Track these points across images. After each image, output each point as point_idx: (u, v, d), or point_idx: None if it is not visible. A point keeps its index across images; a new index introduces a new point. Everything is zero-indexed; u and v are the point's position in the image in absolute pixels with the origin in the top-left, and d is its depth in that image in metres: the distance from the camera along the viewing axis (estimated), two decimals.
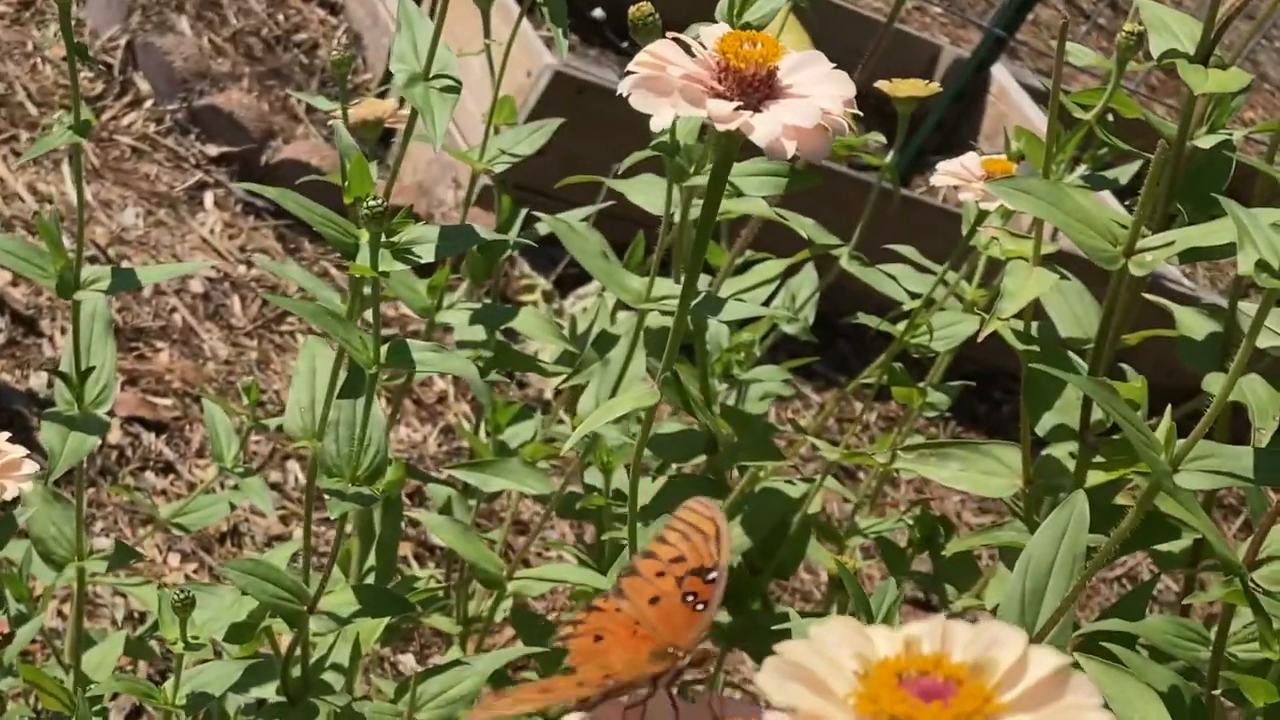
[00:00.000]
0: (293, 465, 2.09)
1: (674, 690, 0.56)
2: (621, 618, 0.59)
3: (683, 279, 0.85)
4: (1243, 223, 0.80)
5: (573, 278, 2.54)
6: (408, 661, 1.93)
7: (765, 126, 0.76)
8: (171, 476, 1.99)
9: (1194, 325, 1.47)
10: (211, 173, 2.43)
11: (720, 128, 0.76)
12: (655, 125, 0.77)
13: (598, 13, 3.08)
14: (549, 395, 2.44)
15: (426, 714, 1.20)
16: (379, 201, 0.87)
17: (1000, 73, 3.13)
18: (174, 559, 1.90)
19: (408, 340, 0.92)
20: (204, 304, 2.22)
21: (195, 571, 1.89)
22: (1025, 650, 0.42)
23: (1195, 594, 1.07)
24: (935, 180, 1.38)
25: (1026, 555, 0.90)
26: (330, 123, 1.55)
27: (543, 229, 1.31)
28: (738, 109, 0.77)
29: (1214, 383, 1.20)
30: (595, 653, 0.58)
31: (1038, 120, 2.80)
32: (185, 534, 1.17)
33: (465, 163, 1.22)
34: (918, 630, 0.43)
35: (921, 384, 1.52)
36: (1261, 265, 0.77)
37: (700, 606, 0.57)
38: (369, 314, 0.95)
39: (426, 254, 0.95)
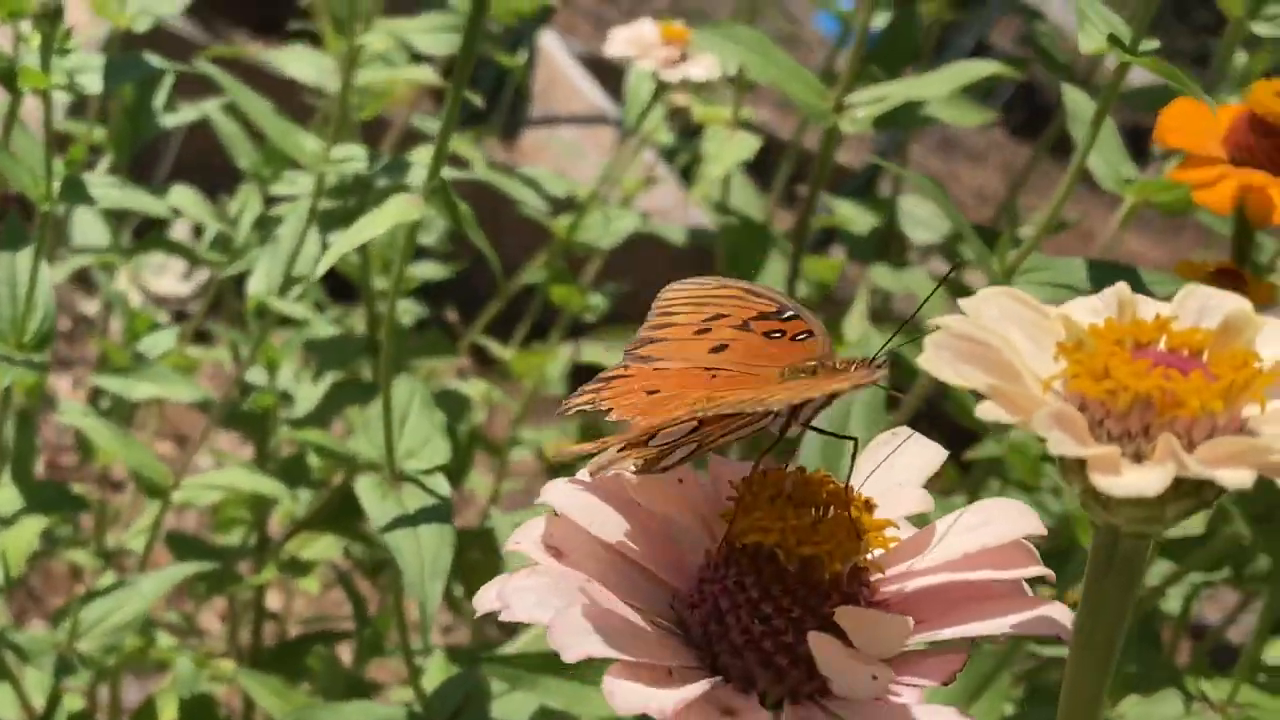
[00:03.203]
0: None
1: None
2: (673, 374, 0.48)
3: (445, 110, 0.75)
4: (1080, 6, 0.77)
5: None
6: None
7: None
8: None
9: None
10: None
11: None
12: None
13: None
14: None
15: (89, 642, 1.06)
16: None
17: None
18: None
19: (84, 175, 0.78)
20: None
21: None
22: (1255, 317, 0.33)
23: None
24: (611, 49, 1.31)
25: None
26: None
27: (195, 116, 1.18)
28: None
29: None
30: (651, 409, 0.46)
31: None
32: None
33: (106, 18, 1.07)
34: (1114, 299, 0.34)
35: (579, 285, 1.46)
36: (1113, 40, 0.75)
37: (802, 336, 0.48)
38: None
39: (93, 84, 0.82)
